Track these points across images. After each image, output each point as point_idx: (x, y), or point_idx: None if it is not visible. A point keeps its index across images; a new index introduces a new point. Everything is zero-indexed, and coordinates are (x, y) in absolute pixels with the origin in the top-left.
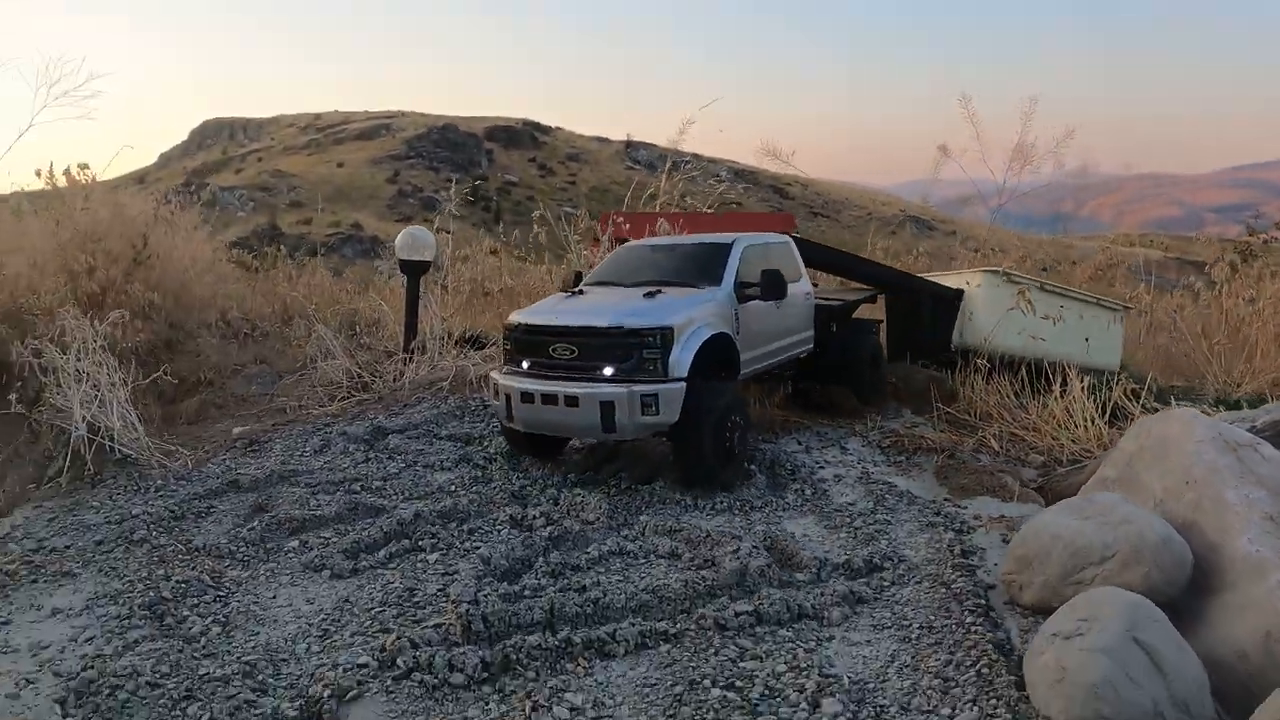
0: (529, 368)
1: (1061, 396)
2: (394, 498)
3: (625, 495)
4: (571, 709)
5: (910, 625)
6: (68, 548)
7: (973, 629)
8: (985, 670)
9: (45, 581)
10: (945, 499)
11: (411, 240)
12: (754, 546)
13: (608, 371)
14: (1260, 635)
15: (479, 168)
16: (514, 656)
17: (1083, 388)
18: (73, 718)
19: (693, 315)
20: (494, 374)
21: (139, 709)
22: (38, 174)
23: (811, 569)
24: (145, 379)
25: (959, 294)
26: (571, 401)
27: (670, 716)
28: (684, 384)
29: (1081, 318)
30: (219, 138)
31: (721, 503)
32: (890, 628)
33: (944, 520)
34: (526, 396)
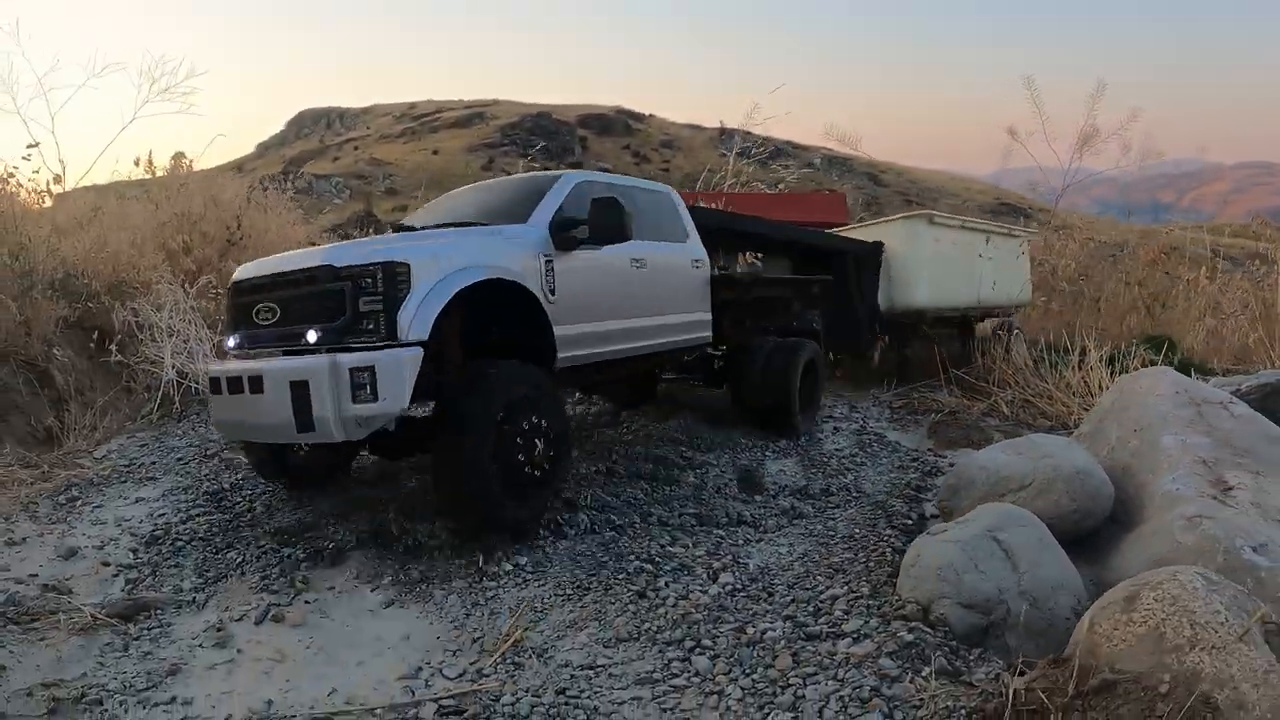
0: (235, 344)
1: (1080, 367)
2: None
3: (631, 434)
4: (516, 566)
5: (835, 535)
6: (154, 463)
7: (887, 539)
8: (873, 565)
9: (133, 483)
10: (929, 450)
11: None
12: (721, 472)
13: (311, 337)
14: (1151, 562)
15: (572, 155)
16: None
17: (1100, 358)
18: (141, 558)
19: (452, 254)
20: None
21: (190, 553)
22: (136, 163)
23: (769, 493)
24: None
25: (877, 247)
26: (255, 385)
27: (591, 575)
28: (420, 351)
29: (999, 253)
30: (316, 127)
31: (714, 440)
32: (815, 536)
33: (918, 465)
34: (214, 384)
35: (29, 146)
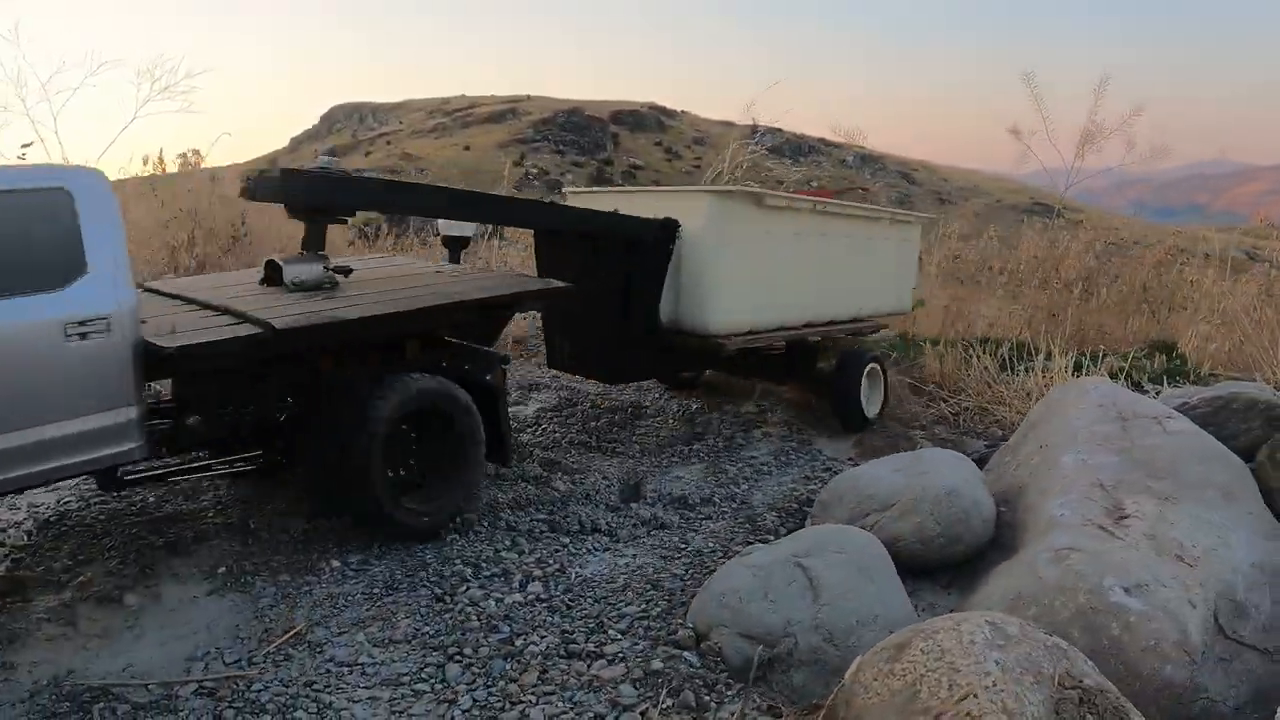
0: None
1: (1044, 372)
2: None
3: (543, 435)
4: (342, 563)
5: (685, 549)
6: None
7: (733, 554)
8: (689, 583)
9: None
10: (849, 459)
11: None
12: (604, 479)
13: None
14: (1008, 598)
15: (604, 151)
16: None
17: (1065, 364)
18: (33, 541)
19: None
20: None
21: (72, 538)
22: (145, 161)
23: (646, 501)
24: None
25: (668, 227)
26: None
27: (409, 576)
28: None
29: (871, 248)
30: (348, 122)
31: (629, 448)
32: (664, 549)
33: (827, 474)
34: None
35: (24, 146)
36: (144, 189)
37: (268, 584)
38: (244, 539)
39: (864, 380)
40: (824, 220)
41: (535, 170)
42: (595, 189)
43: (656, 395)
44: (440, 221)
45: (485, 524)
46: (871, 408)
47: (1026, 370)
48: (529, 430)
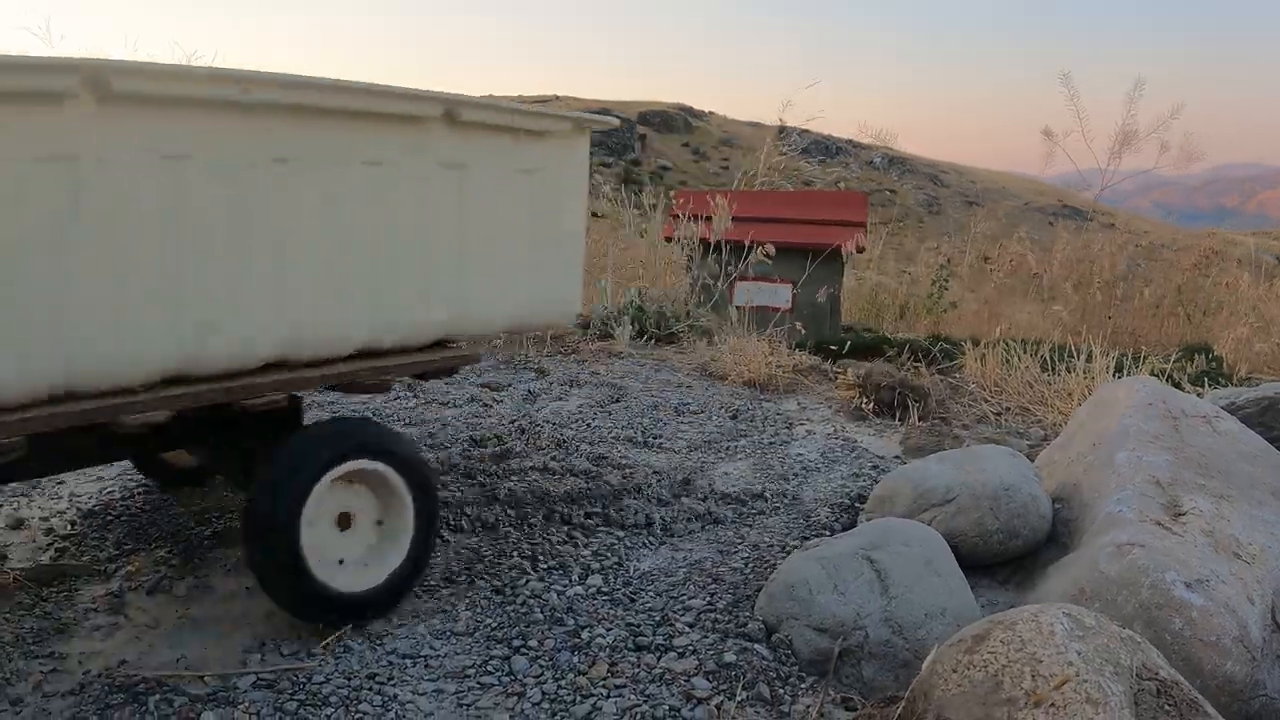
0: None
1: (1085, 374)
2: (394, 424)
3: (588, 430)
4: None
5: (741, 544)
6: None
7: (791, 549)
8: (752, 576)
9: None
10: (895, 456)
11: None
12: (655, 471)
13: None
14: (1070, 592)
15: (632, 152)
16: None
17: (1107, 364)
18: (76, 529)
19: None
20: None
21: (117, 527)
22: None
23: (699, 496)
24: None
25: None
26: None
27: (466, 568)
28: None
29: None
30: None
31: (675, 443)
32: (721, 544)
33: (874, 473)
34: None
35: None
36: None
37: None
38: None
39: (319, 505)
40: (261, 124)
41: None
42: None
43: (700, 392)
44: None
45: (540, 517)
46: (360, 574)
47: (1068, 370)
48: (573, 425)
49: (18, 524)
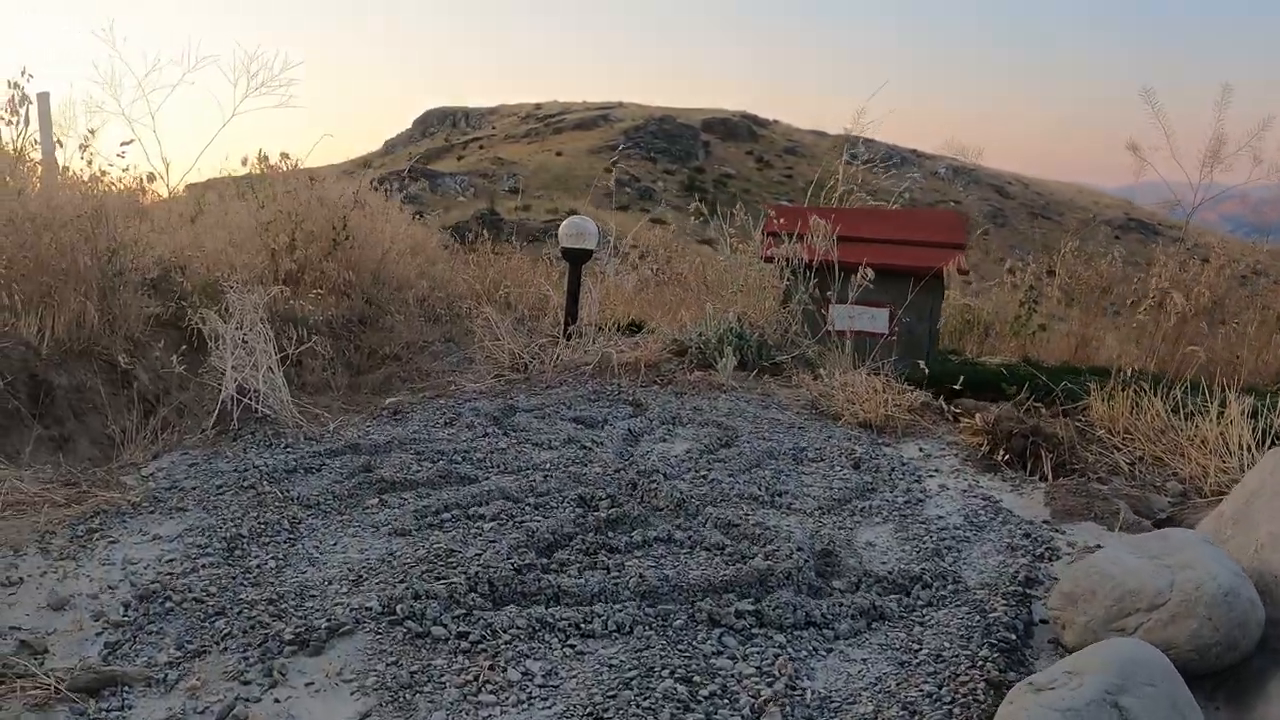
0: None
1: (1219, 419)
2: (489, 470)
3: (707, 485)
4: (524, 673)
5: (919, 650)
6: (193, 488)
7: (982, 664)
8: (959, 710)
9: (160, 513)
10: (1045, 521)
11: (574, 229)
12: (799, 548)
13: None
14: None
15: (695, 159)
16: (496, 621)
17: (1242, 410)
18: (130, 615)
19: None
20: None
21: (179, 616)
22: (243, 161)
23: (851, 579)
24: (332, 350)
25: None
26: None
27: (610, 697)
28: None
29: None
30: (441, 125)
31: (802, 501)
32: (896, 649)
33: (1030, 544)
34: None
35: (124, 144)
36: (243, 188)
37: (434, 706)
38: (392, 627)
39: None
40: None
41: (627, 177)
42: None
43: (815, 434)
44: (561, 232)
45: (685, 617)
46: None
47: (1200, 414)
48: (686, 476)
49: (61, 604)
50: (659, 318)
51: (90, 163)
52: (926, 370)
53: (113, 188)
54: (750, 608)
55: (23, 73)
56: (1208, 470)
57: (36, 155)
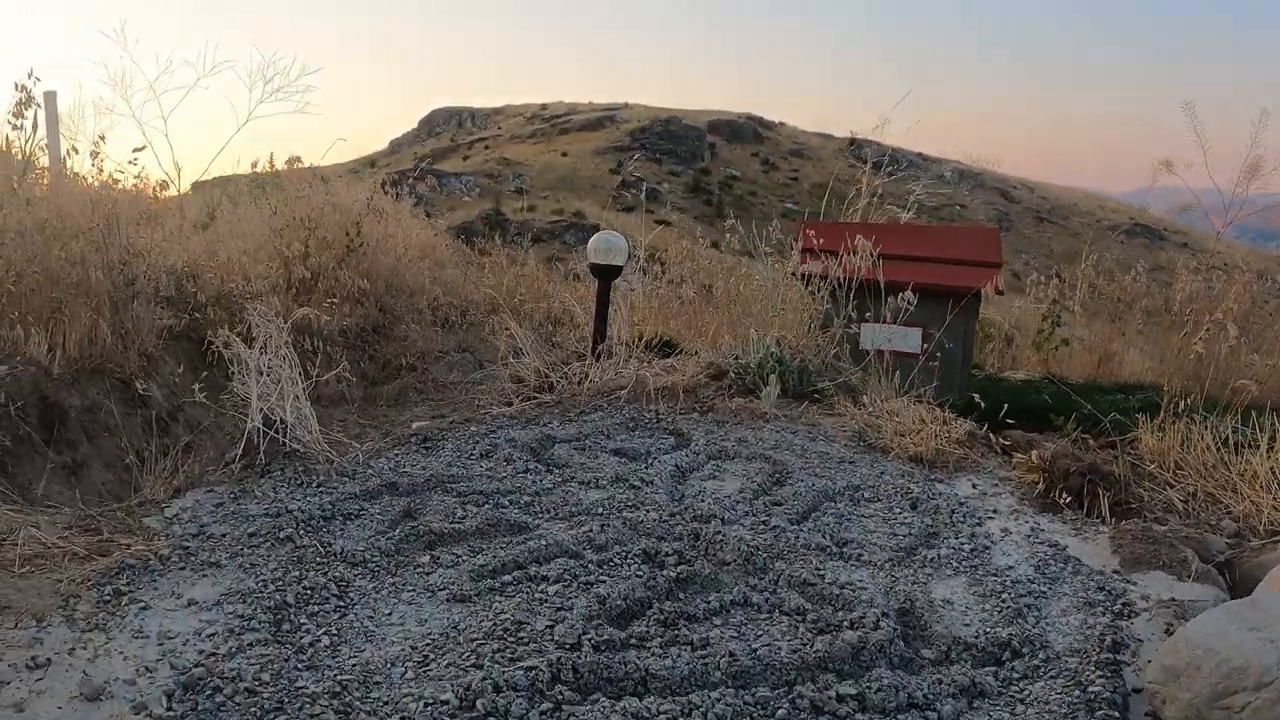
0: None
1: (1270, 453)
2: (539, 515)
3: (770, 534)
4: None
5: None
6: (224, 536)
7: None
8: None
9: (191, 570)
10: (1114, 571)
11: (604, 244)
12: (884, 613)
13: None
14: None
15: (701, 161)
16: (589, 717)
17: None
18: (174, 710)
19: None
20: None
21: (230, 714)
22: (253, 165)
23: (940, 647)
24: (343, 362)
25: None
26: None
27: None
28: None
29: None
30: (447, 125)
31: (871, 553)
32: None
33: (1106, 598)
34: None
35: (136, 150)
36: (255, 193)
37: None
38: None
39: None
40: None
41: (633, 178)
42: None
43: (866, 469)
44: (590, 247)
45: (787, 703)
46: None
47: (1249, 446)
48: (745, 521)
49: (96, 694)
50: (692, 337)
51: (100, 169)
52: (981, 403)
53: (124, 194)
54: (851, 691)
55: (30, 74)
56: (1260, 507)
57: (44, 161)
